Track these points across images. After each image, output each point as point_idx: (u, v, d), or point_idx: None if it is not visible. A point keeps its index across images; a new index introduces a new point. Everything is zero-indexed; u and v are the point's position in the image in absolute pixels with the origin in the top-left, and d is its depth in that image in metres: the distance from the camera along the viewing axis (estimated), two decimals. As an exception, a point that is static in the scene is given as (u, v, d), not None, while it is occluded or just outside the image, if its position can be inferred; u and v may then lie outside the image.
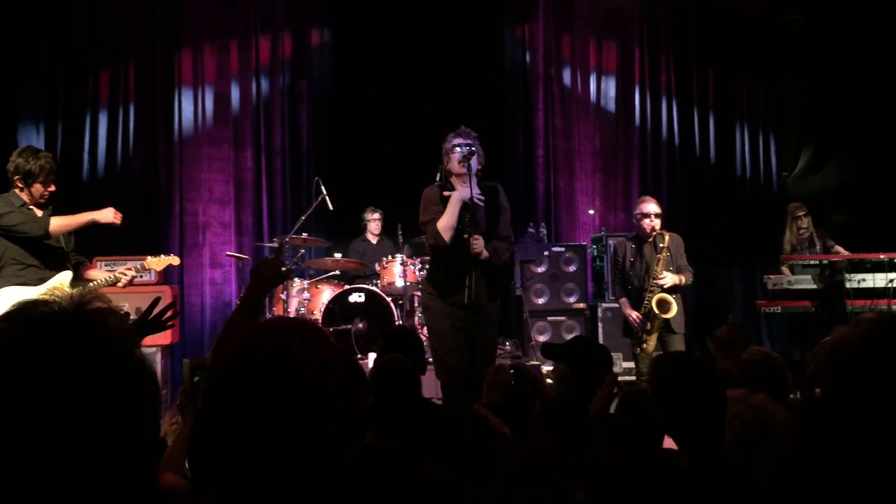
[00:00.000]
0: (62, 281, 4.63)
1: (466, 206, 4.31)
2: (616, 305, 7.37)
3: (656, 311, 5.37)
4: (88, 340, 0.95)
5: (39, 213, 4.69)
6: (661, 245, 5.44)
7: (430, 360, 4.57)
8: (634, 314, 5.49)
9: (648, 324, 5.43)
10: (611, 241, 7.62)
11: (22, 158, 4.55)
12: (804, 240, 7.00)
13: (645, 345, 5.46)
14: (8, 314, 0.98)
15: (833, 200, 7.89)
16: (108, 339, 0.96)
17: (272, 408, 1.24)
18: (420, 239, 6.51)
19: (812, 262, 6.67)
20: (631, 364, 7.18)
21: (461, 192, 4.33)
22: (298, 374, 1.28)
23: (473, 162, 4.35)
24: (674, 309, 5.36)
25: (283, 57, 8.36)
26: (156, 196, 8.05)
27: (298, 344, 1.30)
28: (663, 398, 2.16)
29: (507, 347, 7.43)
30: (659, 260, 5.43)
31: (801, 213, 7.05)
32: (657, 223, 5.55)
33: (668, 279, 5.41)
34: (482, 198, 4.38)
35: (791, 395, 3.41)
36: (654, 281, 5.41)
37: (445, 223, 4.32)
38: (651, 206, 5.61)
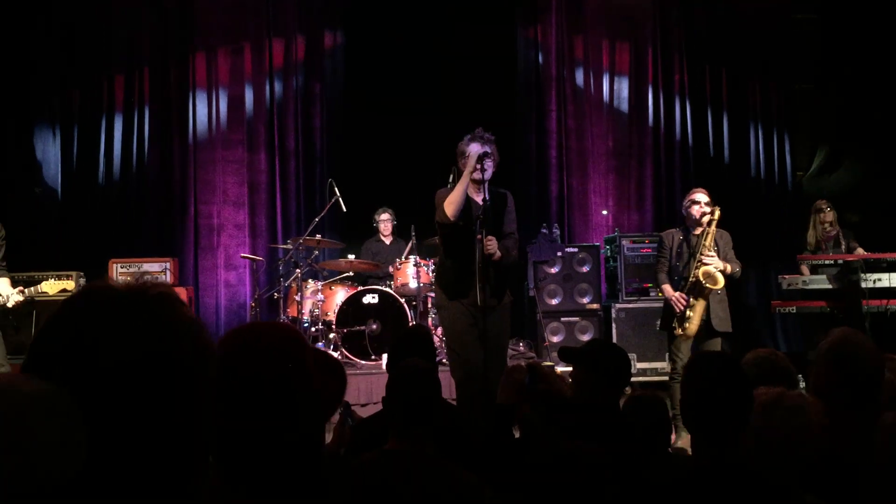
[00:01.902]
0: None
1: (478, 207, 4.33)
2: (629, 306, 7.38)
3: (702, 281, 5.18)
4: (155, 327, 0.94)
5: None
6: (711, 218, 5.30)
7: (444, 360, 4.59)
8: (677, 294, 5.30)
9: (692, 298, 5.24)
10: (624, 239, 7.61)
11: None
12: (830, 238, 6.83)
13: (688, 323, 5.24)
14: (73, 298, 0.98)
15: (848, 200, 7.83)
16: (174, 327, 0.96)
17: (251, 405, 1.28)
18: (433, 240, 6.52)
19: (827, 262, 6.63)
20: (646, 364, 7.20)
21: (473, 155, 4.33)
22: (270, 371, 1.33)
23: (488, 165, 4.37)
24: (720, 280, 5.17)
25: (296, 59, 8.39)
26: (170, 198, 8.12)
27: (269, 344, 1.36)
28: (692, 391, 2.16)
29: (521, 348, 7.43)
30: (707, 234, 5.28)
31: (824, 208, 6.89)
32: (707, 210, 5.39)
33: (715, 260, 5.24)
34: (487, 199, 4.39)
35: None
36: (701, 256, 5.25)
37: (453, 197, 4.33)
38: (701, 195, 5.48)
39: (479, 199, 4.37)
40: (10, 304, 4.85)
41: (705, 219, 5.36)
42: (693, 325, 5.24)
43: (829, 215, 6.84)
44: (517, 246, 4.66)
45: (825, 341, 2.57)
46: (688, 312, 5.25)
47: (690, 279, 5.27)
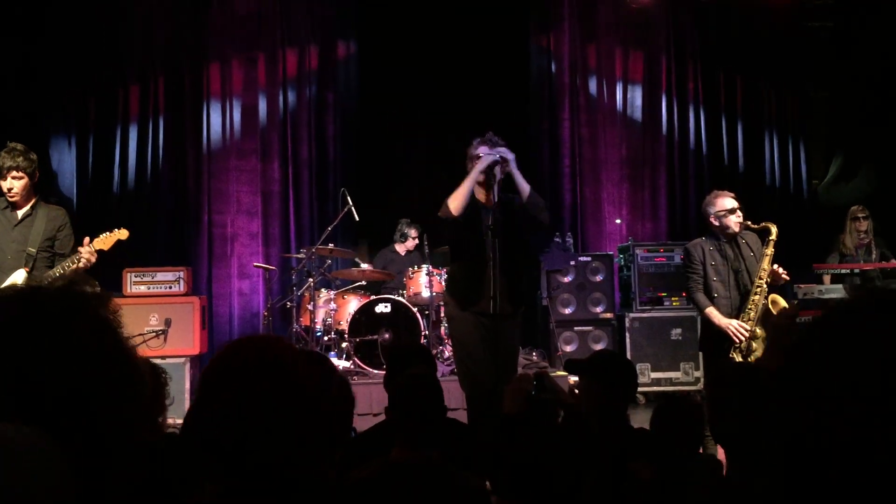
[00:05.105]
0: (14, 281, 4.63)
1: (487, 211, 4.33)
2: (643, 315, 7.33)
3: (774, 313, 4.55)
4: (71, 322, 0.95)
5: (17, 213, 4.78)
6: (769, 238, 4.62)
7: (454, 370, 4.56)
8: (735, 322, 4.56)
9: (758, 329, 4.58)
10: (638, 248, 7.56)
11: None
12: (862, 245, 6.77)
13: (753, 356, 4.58)
14: None
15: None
16: (89, 320, 0.97)
17: (247, 419, 1.26)
18: (444, 248, 6.51)
19: (843, 272, 6.56)
20: (660, 374, 7.14)
21: (486, 158, 4.28)
22: (272, 386, 1.31)
23: (497, 172, 4.39)
24: (782, 302, 4.63)
25: (309, 69, 8.43)
26: (184, 208, 8.16)
27: (273, 359, 1.34)
28: (720, 408, 2.12)
29: (534, 357, 7.39)
30: (766, 256, 4.60)
31: (860, 216, 6.76)
32: (742, 216, 4.72)
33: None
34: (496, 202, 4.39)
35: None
36: (761, 280, 4.58)
37: (458, 192, 4.27)
38: (733, 201, 4.72)
39: (488, 203, 4.38)
40: (81, 265, 4.68)
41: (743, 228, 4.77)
42: (759, 354, 4.64)
43: (864, 224, 6.77)
44: (545, 206, 4.48)
45: None
46: (753, 345, 4.61)
47: (749, 307, 4.61)
